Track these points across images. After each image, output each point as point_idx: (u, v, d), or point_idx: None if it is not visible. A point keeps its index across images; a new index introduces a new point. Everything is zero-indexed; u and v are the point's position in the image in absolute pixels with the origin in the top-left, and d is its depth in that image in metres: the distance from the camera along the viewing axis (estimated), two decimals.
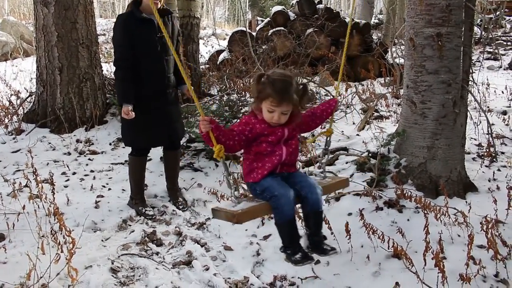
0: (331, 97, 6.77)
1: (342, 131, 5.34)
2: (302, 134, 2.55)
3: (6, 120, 6.08)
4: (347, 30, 2.88)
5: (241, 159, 2.48)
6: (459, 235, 3.04)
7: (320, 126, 2.93)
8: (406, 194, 3.39)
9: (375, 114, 5.88)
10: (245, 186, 2.48)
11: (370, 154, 4.09)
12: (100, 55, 6.20)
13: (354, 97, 6.62)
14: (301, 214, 2.42)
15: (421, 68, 3.57)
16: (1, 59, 14.01)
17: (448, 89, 3.52)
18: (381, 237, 2.87)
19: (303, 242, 2.28)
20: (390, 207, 3.41)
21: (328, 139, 2.78)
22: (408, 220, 3.25)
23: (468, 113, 3.87)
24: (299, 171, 2.45)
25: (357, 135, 5.15)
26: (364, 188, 3.67)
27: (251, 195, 2.36)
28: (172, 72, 3.68)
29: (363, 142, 4.67)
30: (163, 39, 3.46)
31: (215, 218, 2.28)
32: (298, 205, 2.35)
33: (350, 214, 3.38)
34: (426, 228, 2.72)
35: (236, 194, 2.23)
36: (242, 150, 2.37)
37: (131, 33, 3.41)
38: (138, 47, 3.43)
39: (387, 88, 7.47)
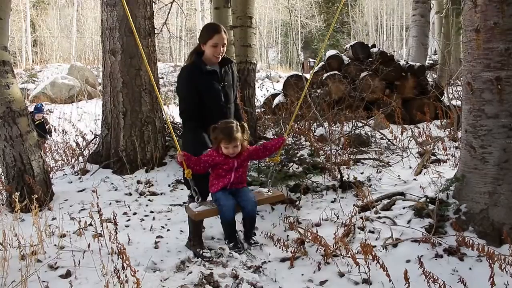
0: (386, 140, 6.74)
1: (399, 176, 5.27)
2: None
3: (73, 161, 6.43)
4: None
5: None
6: None
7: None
8: (468, 242, 3.28)
9: (432, 157, 5.77)
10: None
11: (428, 199, 4.01)
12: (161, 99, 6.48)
13: (411, 140, 6.54)
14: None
15: (480, 112, 3.53)
16: (67, 101, 14.93)
17: (509, 133, 3.44)
18: (442, 287, 2.79)
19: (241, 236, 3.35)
20: (450, 254, 3.32)
21: (274, 165, 3.79)
22: (470, 269, 3.15)
23: None
24: (245, 188, 3.39)
25: (414, 179, 5.06)
26: (423, 234, 3.59)
27: (211, 200, 3.39)
28: (236, 115, 3.81)
29: (420, 186, 4.59)
30: (225, 87, 3.61)
31: (186, 212, 3.47)
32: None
33: (408, 261, 3.32)
34: (491, 278, 2.63)
35: (199, 200, 3.28)
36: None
37: (196, 84, 3.52)
38: (203, 96, 3.55)
39: (444, 131, 7.33)
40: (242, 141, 3.26)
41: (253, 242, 3.31)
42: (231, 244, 3.23)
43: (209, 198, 3.47)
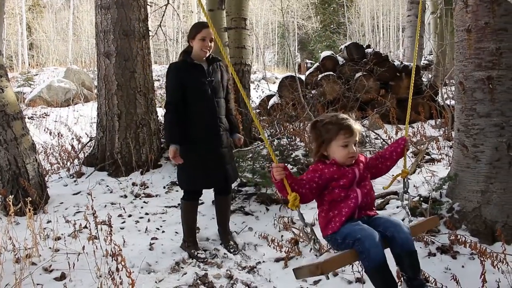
0: (381, 140, 6.76)
1: (393, 175, 5.28)
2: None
3: (68, 164, 6.43)
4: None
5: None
6: None
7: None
8: (460, 240, 3.31)
9: (426, 157, 5.80)
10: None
11: (421, 198, 4.04)
12: (156, 101, 6.50)
13: None
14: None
15: (472, 111, 3.55)
16: (64, 104, 14.90)
17: (501, 132, 3.47)
18: (434, 284, 2.81)
19: None
20: (443, 253, 3.34)
21: (406, 180, 2.63)
22: (462, 267, 3.17)
23: None
24: (380, 214, 2.31)
25: (408, 178, 5.07)
26: None
27: (332, 250, 2.24)
28: (224, 115, 3.84)
29: (414, 186, 4.61)
30: (213, 83, 3.70)
31: (298, 278, 2.16)
32: (387, 249, 2.19)
33: None
34: (483, 275, 2.65)
35: (316, 247, 2.12)
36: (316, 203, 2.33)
37: (182, 77, 3.63)
38: (190, 90, 3.63)
39: (438, 131, 7.36)
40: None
41: None
42: None
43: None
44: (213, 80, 3.73)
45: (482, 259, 2.88)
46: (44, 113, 13.43)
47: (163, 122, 3.75)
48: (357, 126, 2.26)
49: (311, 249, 2.17)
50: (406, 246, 2.08)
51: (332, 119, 2.23)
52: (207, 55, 3.73)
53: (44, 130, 9.12)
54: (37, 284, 3.19)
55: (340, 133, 2.19)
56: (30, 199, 3.87)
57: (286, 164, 2.20)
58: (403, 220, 2.51)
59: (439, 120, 7.84)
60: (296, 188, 2.14)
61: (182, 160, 3.60)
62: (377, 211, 2.47)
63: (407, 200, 2.67)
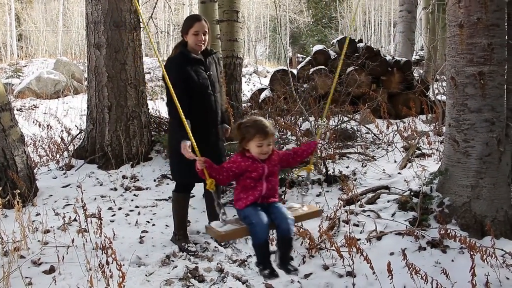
0: (372, 135, 6.78)
1: (384, 169, 5.31)
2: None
3: (58, 156, 6.38)
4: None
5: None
6: (507, 278, 2.96)
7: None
8: (450, 234, 3.32)
9: (417, 152, 5.82)
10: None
11: (412, 193, 4.05)
12: (146, 94, 6.45)
13: (396, 135, 6.58)
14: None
15: (463, 106, 3.56)
16: (53, 96, 14.78)
17: (492, 127, 3.49)
18: (424, 278, 2.83)
19: (274, 260, 2.72)
20: (433, 247, 3.35)
21: (308, 175, 3.20)
22: (452, 260, 3.19)
23: None
24: (278, 203, 2.83)
25: (399, 173, 5.10)
26: (406, 227, 3.62)
27: (237, 217, 2.82)
28: (221, 109, 3.81)
29: (404, 180, 4.63)
30: (211, 77, 3.65)
31: (206, 233, 2.86)
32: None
33: (392, 253, 3.35)
34: (472, 269, 2.67)
35: (223, 217, 2.73)
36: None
37: (184, 71, 3.54)
38: (191, 85, 3.56)
39: (429, 126, 7.39)
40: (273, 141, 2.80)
41: (292, 269, 2.71)
42: (266, 272, 2.68)
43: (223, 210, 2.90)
44: (211, 74, 3.69)
45: (471, 253, 2.90)
46: (33, 105, 13.30)
47: (170, 117, 3.60)
48: (271, 130, 2.73)
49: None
50: (284, 234, 2.66)
51: (252, 123, 2.73)
52: (202, 49, 3.66)
53: (33, 122, 9.02)
54: (26, 277, 3.16)
55: (256, 135, 2.68)
56: (19, 191, 3.83)
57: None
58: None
59: (430, 115, 7.88)
60: (214, 175, 2.71)
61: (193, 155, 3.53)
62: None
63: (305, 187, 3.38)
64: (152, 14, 8.42)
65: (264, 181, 2.77)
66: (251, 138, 2.70)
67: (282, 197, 4.66)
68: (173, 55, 3.71)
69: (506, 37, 3.50)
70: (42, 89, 14.92)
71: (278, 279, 3.24)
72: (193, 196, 4.65)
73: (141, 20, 5.78)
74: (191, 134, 2.92)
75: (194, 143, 2.83)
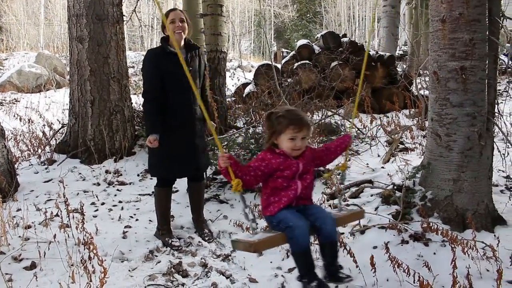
0: (354, 130, 6.81)
1: (367, 164, 5.34)
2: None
3: (39, 151, 6.29)
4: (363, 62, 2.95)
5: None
6: (487, 270, 2.99)
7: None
8: (432, 227, 3.36)
9: (400, 146, 5.87)
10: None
11: (395, 187, 4.08)
12: (130, 88, 6.39)
13: (379, 129, 6.62)
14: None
15: (446, 101, 3.59)
16: (35, 90, 14.55)
17: (473, 121, 3.52)
18: (406, 271, 2.85)
19: (320, 271, 2.37)
20: (416, 240, 3.38)
21: (342, 174, 2.89)
22: (434, 253, 3.22)
23: (495, 145, 3.85)
24: (315, 204, 2.57)
25: (382, 167, 5.14)
26: (389, 221, 3.65)
27: (268, 228, 2.52)
28: (198, 105, 3.79)
29: (388, 174, 4.66)
30: (190, 72, 3.60)
31: (234, 249, 2.44)
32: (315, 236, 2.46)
33: (375, 247, 3.36)
34: (453, 262, 2.70)
35: (254, 225, 2.37)
36: (260, 184, 2.51)
37: (159, 66, 3.55)
38: (166, 79, 3.56)
39: (412, 120, 7.45)
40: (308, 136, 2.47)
41: (345, 276, 2.37)
42: (314, 285, 2.24)
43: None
44: (191, 69, 3.66)
45: (453, 246, 2.94)
46: (14, 99, 13.08)
47: (143, 112, 3.60)
48: (307, 122, 2.43)
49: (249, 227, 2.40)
50: (329, 237, 2.35)
51: (285, 113, 2.40)
52: (183, 37, 3.65)
53: (14, 116, 8.89)
54: (6, 274, 3.12)
55: (289, 127, 2.36)
56: None
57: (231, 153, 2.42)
58: (336, 207, 2.85)
59: (413, 109, 7.94)
60: (240, 175, 2.34)
61: (157, 144, 3.54)
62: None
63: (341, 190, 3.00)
64: (135, 7, 8.33)
65: (298, 179, 2.44)
66: (283, 130, 2.38)
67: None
68: (153, 48, 3.76)
69: (487, 32, 3.54)
70: (23, 83, 14.68)
71: (262, 273, 3.27)
72: (177, 191, 4.63)
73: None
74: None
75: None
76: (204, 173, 4.30)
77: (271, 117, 2.44)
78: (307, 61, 8.83)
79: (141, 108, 6.69)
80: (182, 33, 3.62)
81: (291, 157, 2.42)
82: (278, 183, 2.41)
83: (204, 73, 3.93)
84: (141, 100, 3.64)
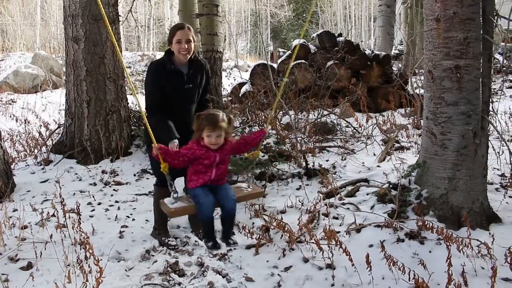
0: (351, 128, 6.83)
1: (363, 163, 5.36)
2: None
3: (36, 151, 6.28)
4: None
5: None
6: (482, 268, 3.01)
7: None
8: (428, 226, 3.38)
9: (396, 145, 5.89)
10: None
11: (391, 186, 4.10)
12: (126, 88, 6.39)
13: (375, 128, 6.64)
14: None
15: (440, 100, 3.61)
16: (31, 91, 14.52)
17: (468, 120, 3.55)
18: (402, 269, 2.87)
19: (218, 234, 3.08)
20: (411, 238, 3.40)
21: (254, 161, 3.82)
22: (430, 252, 3.24)
23: (489, 143, 3.87)
24: (226, 184, 3.16)
25: (378, 166, 5.16)
26: (385, 219, 3.67)
27: (187, 195, 3.18)
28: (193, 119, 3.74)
29: (383, 173, 4.68)
30: (188, 91, 3.59)
31: (161, 208, 3.14)
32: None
33: (371, 245, 3.38)
34: (448, 260, 2.72)
35: (175, 196, 3.06)
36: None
37: (160, 82, 3.49)
38: (166, 95, 3.51)
39: (408, 119, 7.48)
40: (227, 133, 3.05)
41: (232, 242, 3.08)
42: (210, 244, 3.01)
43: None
44: (191, 86, 3.60)
45: (448, 244, 2.96)
46: (11, 99, 13.05)
47: (150, 126, 3.44)
48: (222, 124, 2.96)
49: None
50: (228, 213, 3.02)
51: (206, 116, 2.98)
52: (187, 58, 3.52)
53: (11, 117, 8.87)
54: (2, 274, 3.12)
55: (206, 127, 2.94)
56: None
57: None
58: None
59: (408, 108, 7.97)
60: (169, 160, 2.97)
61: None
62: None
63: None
64: (131, 8, 8.33)
65: (214, 168, 3.05)
66: (203, 128, 2.96)
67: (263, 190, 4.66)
68: (156, 60, 3.67)
69: (481, 31, 3.56)
70: (19, 84, 14.65)
71: (258, 272, 3.29)
72: None
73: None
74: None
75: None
76: None
77: (199, 117, 3.00)
78: (303, 61, 8.85)
79: (137, 108, 6.71)
80: (187, 54, 3.51)
81: (211, 150, 2.99)
82: (199, 168, 3.03)
83: (207, 88, 3.87)
84: (140, 100, 3.58)
